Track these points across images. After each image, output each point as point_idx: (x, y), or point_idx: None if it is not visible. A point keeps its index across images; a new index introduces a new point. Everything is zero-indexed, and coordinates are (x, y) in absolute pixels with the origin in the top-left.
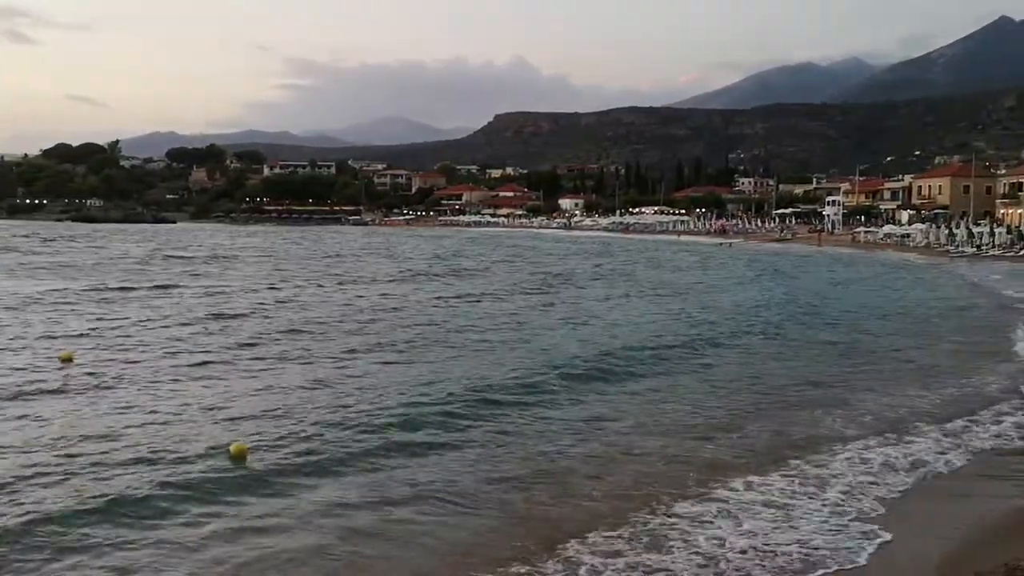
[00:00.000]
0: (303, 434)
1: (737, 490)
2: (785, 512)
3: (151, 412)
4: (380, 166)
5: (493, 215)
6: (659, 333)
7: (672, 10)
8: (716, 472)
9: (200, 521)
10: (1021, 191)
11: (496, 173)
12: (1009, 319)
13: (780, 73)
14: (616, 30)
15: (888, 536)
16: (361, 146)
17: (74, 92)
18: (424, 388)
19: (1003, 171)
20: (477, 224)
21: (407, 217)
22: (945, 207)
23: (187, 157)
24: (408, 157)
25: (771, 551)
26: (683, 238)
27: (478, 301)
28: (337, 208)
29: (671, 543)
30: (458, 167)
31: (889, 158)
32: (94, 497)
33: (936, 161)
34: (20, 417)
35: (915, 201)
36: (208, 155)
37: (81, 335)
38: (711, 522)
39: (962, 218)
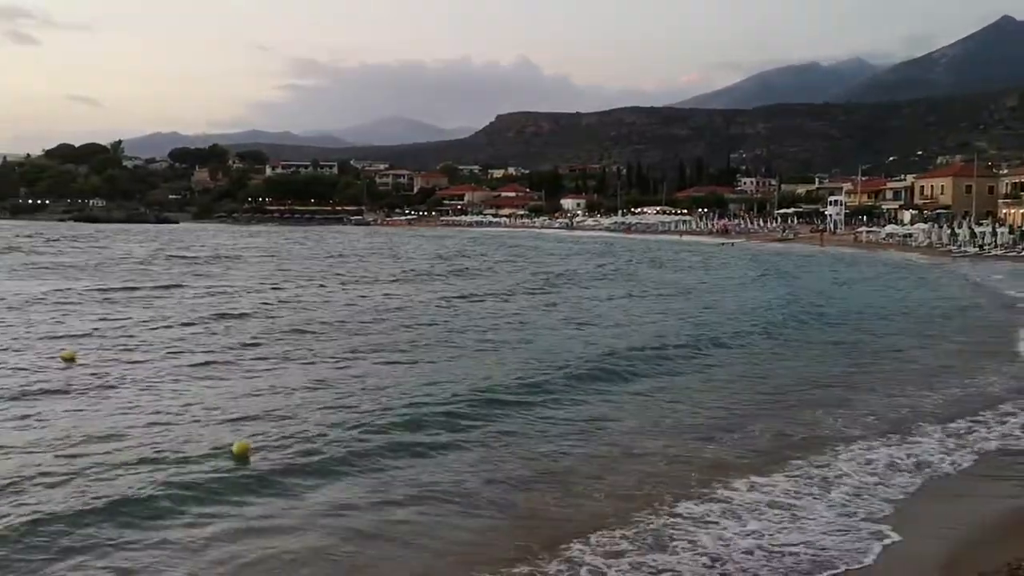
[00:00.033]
0: (306, 434)
1: (740, 490)
2: (791, 513)
3: (154, 412)
4: (382, 166)
5: (495, 215)
6: (661, 333)
7: (674, 10)
8: (718, 472)
9: (203, 521)
10: (1023, 191)
11: (498, 173)
12: (1012, 319)
13: (782, 73)
14: (618, 30)
15: (895, 537)
16: (363, 146)
17: (76, 92)
18: (427, 388)
19: (1005, 171)
20: (479, 224)
21: (409, 217)
22: (947, 207)
23: (189, 157)
24: (410, 157)
25: (778, 551)
26: (685, 238)
27: (481, 301)
28: (339, 208)
29: (675, 543)
30: (460, 167)
31: (891, 158)
32: (97, 497)
33: (938, 161)
34: (23, 417)
35: (917, 201)
36: (210, 155)
37: (84, 335)
38: (715, 522)
39: (964, 218)
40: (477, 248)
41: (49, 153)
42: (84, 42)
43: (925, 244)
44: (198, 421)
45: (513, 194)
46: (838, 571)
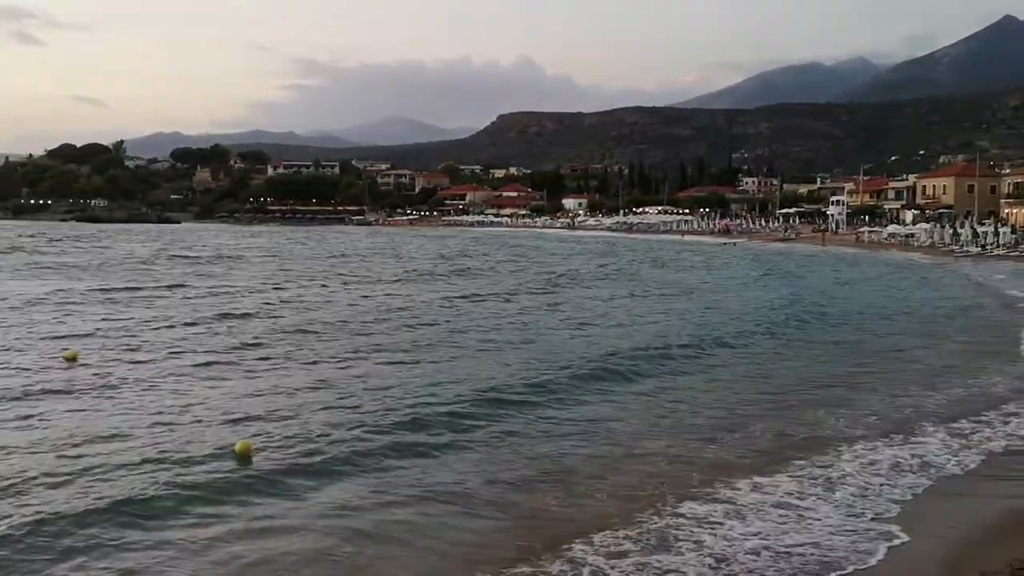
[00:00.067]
0: (308, 434)
1: (743, 491)
2: (796, 513)
3: (156, 412)
4: (384, 166)
5: (497, 215)
6: (664, 333)
7: (676, 10)
8: (721, 472)
9: (205, 522)
10: None
11: (500, 173)
12: (1014, 319)
13: (784, 73)
14: (620, 30)
15: (904, 538)
16: (365, 146)
17: (79, 93)
18: (429, 388)
19: (1007, 170)
20: (481, 224)
21: (411, 217)
22: (949, 207)
23: (191, 157)
24: (412, 157)
25: (785, 552)
26: (687, 238)
27: (483, 301)
28: (341, 208)
29: (680, 543)
30: (462, 167)
31: (893, 158)
32: (99, 498)
33: (940, 160)
34: (26, 417)
35: (919, 201)
36: (212, 155)
37: (86, 335)
38: (720, 523)
39: (966, 217)
40: (479, 248)
41: (51, 153)
42: (87, 42)
43: (927, 244)
44: (200, 421)
45: (515, 194)
46: (846, 572)
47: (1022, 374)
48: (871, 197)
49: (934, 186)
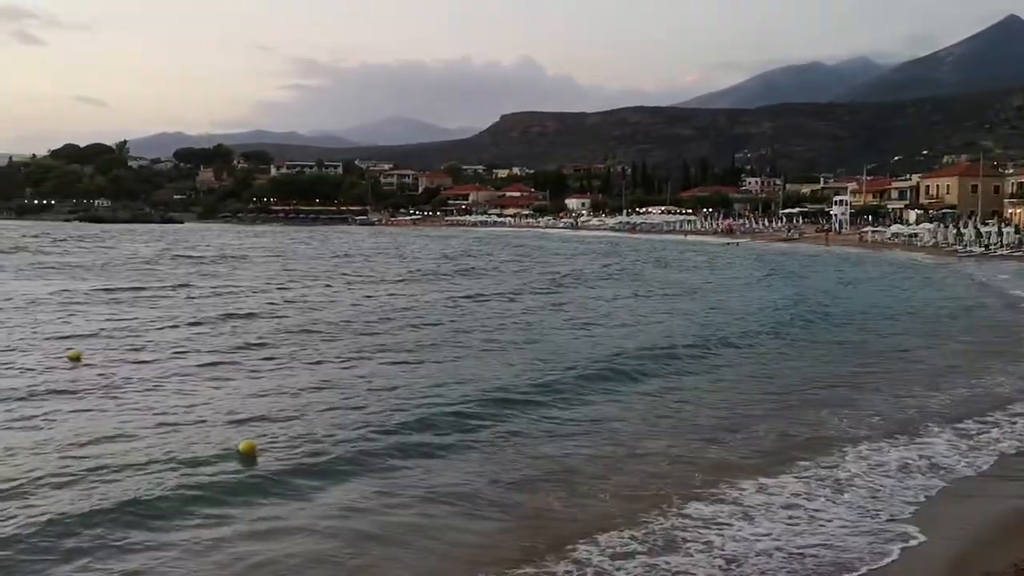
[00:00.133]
0: (312, 435)
1: (749, 491)
2: (807, 514)
3: (160, 412)
4: (387, 166)
5: (499, 215)
6: (668, 333)
7: (676, 10)
8: (726, 473)
9: (210, 523)
10: None
11: (502, 173)
12: (1018, 319)
13: (786, 73)
14: (620, 30)
15: (920, 538)
16: (368, 146)
17: (81, 93)
18: (433, 389)
19: (1011, 170)
20: (483, 224)
21: (414, 217)
22: (953, 206)
23: (194, 157)
24: (414, 157)
25: (798, 553)
26: (690, 238)
27: (487, 301)
28: (344, 208)
29: (688, 544)
30: (464, 167)
31: (896, 157)
32: (104, 498)
33: (944, 160)
34: (30, 417)
35: (923, 201)
36: (215, 155)
37: (90, 335)
38: (728, 523)
39: (970, 217)
40: (482, 248)
41: (54, 153)
42: (89, 42)
43: (930, 244)
44: (205, 421)
45: (518, 194)
46: (860, 573)
47: None
48: (874, 197)
49: (937, 186)
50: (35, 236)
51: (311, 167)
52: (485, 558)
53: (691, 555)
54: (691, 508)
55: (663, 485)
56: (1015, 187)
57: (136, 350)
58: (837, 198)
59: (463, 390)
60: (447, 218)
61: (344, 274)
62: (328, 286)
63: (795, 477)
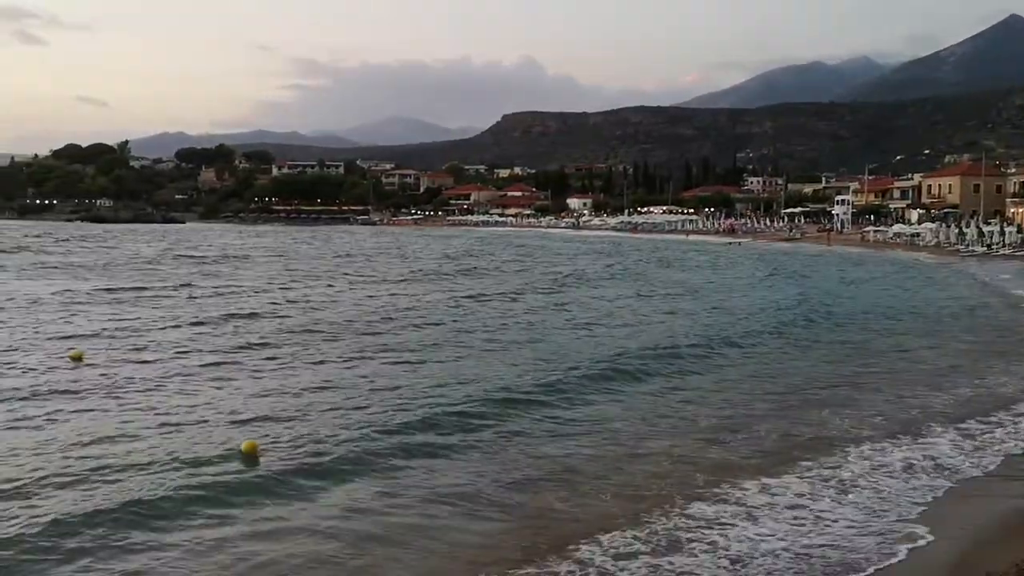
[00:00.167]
0: (315, 435)
1: (751, 492)
2: (811, 514)
3: (162, 412)
4: (388, 166)
5: (501, 215)
6: (670, 333)
7: (676, 10)
8: (729, 473)
9: (212, 523)
10: None
11: (504, 173)
12: (1020, 319)
13: (787, 72)
14: (621, 30)
15: (926, 539)
16: (369, 146)
17: (83, 93)
18: (435, 389)
19: (1013, 170)
20: (485, 224)
21: (415, 217)
22: (955, 206)
23: (196, 157)
24: (416, 157)
25: (805, 553)
26: (692, 237)
27: (489, 301)
28: (346, 208)
29: (692, 544)
30: (466, 167)
31: (898, 157)
32: (106, 499)
33: (946, 160)
34: (32, 418)
35: (925, 200)
36: (217, 155)
37: (92, 335)
38: (732, 524)
39: (972, 217)
40: (484, 248)
41: (56, 153)
42: (90, 42)
43: (932, 243)
44: (207, 422)
45: (519, 194)
46: (867, 573)
47: None
48: (876, 197)
49: (939, 185)
50: (37, 236)
51: (312, 167)
52: (487, 558)
53: (695, 555)
54: (694, 508)
55: (665, 485)
56: (1017, 187)
57: (138, 350)
58: (839, 198)
59: (465, 390)
60: (449, 218)
61: (346, 274)
62: (330, 286)
63: (798, 477)
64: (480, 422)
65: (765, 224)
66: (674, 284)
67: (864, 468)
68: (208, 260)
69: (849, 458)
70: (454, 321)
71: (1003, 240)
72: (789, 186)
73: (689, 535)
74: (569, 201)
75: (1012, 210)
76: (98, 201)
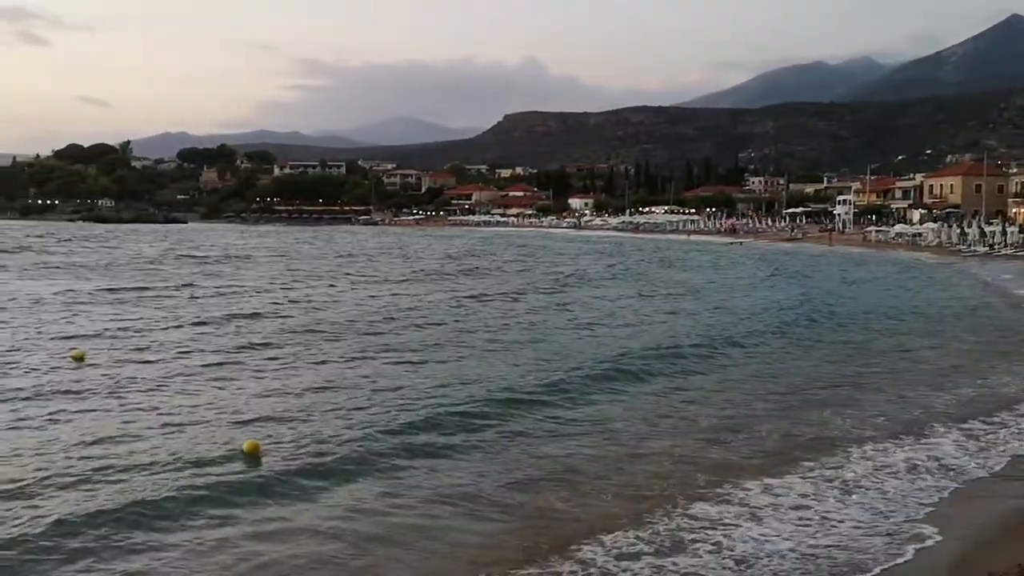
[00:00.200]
0: (317, 435)
1: (754, 492)
2: (816, 515)
3: (164, 413)
4: (390, 166)
5: (503, 215)
6: (673, 333)
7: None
8: (731, 473)
9: (214, 524)
10: None
11: (506, 173)
12: (1022, 319)
13: (789, 72)
14: (625, 29)
15: (934, 539)
16: (371, 146)
17: (85, 93)
18: (438, 389)
19: (1015, 170)
20: (487, 224)
21: (417, 217)
22: (957, 206)
23: (198, 157)
24: (418, 157)
25: (811, 554)
26: (693, 237)
27: (491, 301)
28: (347, 208)
29: (696, 545)
30: (468, 167)
31: (900, 157)
32: (108, 499)
33: (947, 160)
34: (34, 418)
35: (926, 200)
36: (219, 155)
37: (95, 335)
38: (736, 524)
39: (974, 217)
40: (486, 248)
41: (58, 154)
42: (92, 42)
43: (934, 244)
44: (209, 422)
45: (521, 194)
46: (874, 574)
47: None
48: (878, 197)
49: (941, 185)
50: (39, 236)
51: (314, 167)
52: (489, 558)
53: (700, 556)
54: (697, 508)
55: (667, 485)
56: (1019, 186)
57: (140, 350)
58: (840, 198)
59: (467, 390)
60: (450, 218)
61: (348, 274)
62: (332, 286)
63: (801, 478)
64: (482, 422)
65: (767, 224)
66: (676, 284)
67: (867, 468)
68: (210, 260)
69: (852, 458)
70: (456, 321)
71: (1005, 240)
72: (791, 186)
73: (692, 536)
74: (571, 201)
75: (1014, 210)
76: (100, 201)
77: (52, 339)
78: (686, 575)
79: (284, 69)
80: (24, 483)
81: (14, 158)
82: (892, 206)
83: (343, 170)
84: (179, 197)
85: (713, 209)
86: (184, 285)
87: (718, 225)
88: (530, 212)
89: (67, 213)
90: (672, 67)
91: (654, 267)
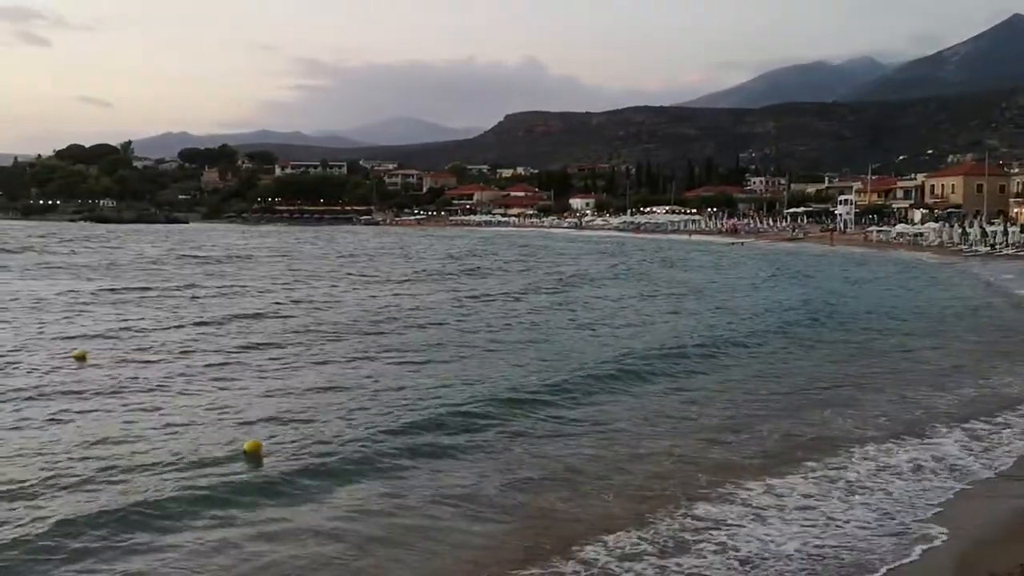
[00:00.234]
0: (319, 436)
1: (756, 492)
2: (821, 515)
3: (166, 413)
4: (391, 166)
5: (504, 215)
6: (675, 333)
7: (679, 9)
8: (733, 474)
9: (216, 524)
10: None
11: (507, 173)
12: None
13: (790, 72)
14: (626, 29)
15: (941, 539)
16: (372, 146)
17: (86, 93)
18: (440, 390)
19: (1016, 169)
20: (488, 224)
21: (418, 217)
22: (958, 206)
23: (199, 157)
24: (419, 157)
25: (817, 554)
26: (695, 237)
27: (493, 301)
28: (348, 208)
29: (700, 545)
30: (469, 167)
31: (901, 157)
32: (110, 500)
33: (949, 160)
34: (36, 418)
35: (928, 200)
36: (220, 155)
37: (96, 335)
38: (740, 525)
39: (975, 217)
40: (487, 248)
41: (60, 154)
42: (93, 43)
43: (936, 243)
44: (211, 422)
45: (522, 194)
46: (880, 574)
47: None
48: (879, 196)
49: (942, 185)
50: (41, 236)
51: (315, 167)
52: (492, 559)
53: (704, 556)
54: (700, 509)
55: (670, 485)
56: (1020, 186)
57: (142, 350)
58: (842, 197)
59: (469, 390)
60: (451, 218)
61: (350, 274)
62: (334, 286)
63: (804, 478)
64: (484, 422)
65: (768, 224)
66: (678, 284)
67: (871, 469)
68: (212, 260)
69: (854, 459)
70: (458, 321)
71: (1006, 240)
72: (792, 186)
73: (696, 536)
74: (572, 201)
75: (1015, 210)
76: (101, 201)
77: (54, 339)
78: (692, 575)
79: (285, 69)
80: (26, 483)
81: (15, 158)
82: (893, 206)
83: (344, 170)
84: (180, 197)
85: (714, 209)
86: (186, 285)
87: (719, 225)
88: (531, 212)
89: (69, 213)
90: (673, 67)
91: (656, 267)
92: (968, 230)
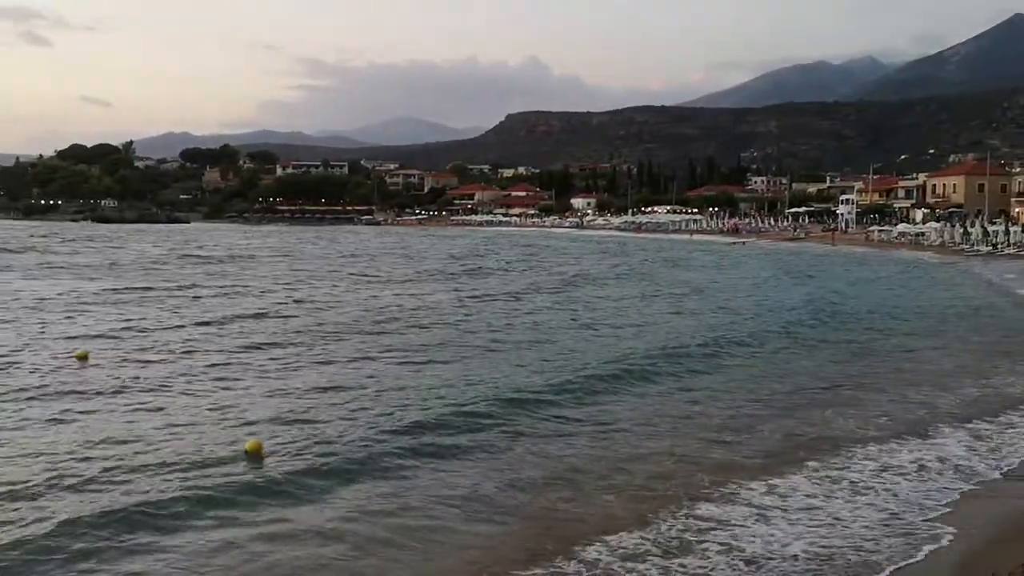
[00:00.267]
0: (320, 436)
1: (758, 492)
2: (826, 515)
3: (168, 414)
4: (392, 166)
5: (505, 215)
6: (676, 333)
7: (681, 9)
8: (735, 474)
9: (217, 525)
10: None
11: (508, 172)
12: None
13: (792, 72)
14: (628, 29)
15: (948, 539)
16: (373, 146)
17: (88, 94)
18: (441, 390)
19: (1018, 169)
20: (489, 224)
21: (420, 217)
22: (959, 206)
23: (200, 157)
24: (420, 157)
25: (824, 555)
26: (696, 237)
27: (495, 301)
28: (350, 208)
29: (704, 545)
30: (470, 167)
31: (903, 156)
32: (112, 500)
33: (950, 159)
34: (37, 419)
35: (929, 200)
36: (221, 155)
37: (98, 335)
38: (743, 525)
39: (977, 216)
40: (489, 248)
41: (61, 154)
42: (94, 43)
43: (937, 243)
44: (212, 422)
45: (523, 194)
46: (886, 574)
47: None
48: (881, 196)
49: (944, 185)
50: (43, 236)
51: (317, 167)
52: (494, 559)
53: (708, 557)
54: (703, 509)
55: (672, 485)
56: (1022, 186)
57: (144, 350)
58: (843, 197)
59: (471, 391)
60: (453, 218)
61: (351, 274)
62: (335, 286)
63: (806, 478)
64: (486, 422)
65: (769, 224)
66: (680, 284)
67: (874, 469)
68: (213, 260)
69: (857, 459)
70: (460, 321)
71: (1008, 239)
72: (793, 186)
73: (699, 536)
74: (573, 201)
75: (1017, 209)
76: (103, 201)
77: (56, 339)
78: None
79: (286, 69)
80: (29, 483)
81: (17, 158)
82: (895, 206)
83: (346, 170)
84: (182, 197)
85: (716, 209)
86: (188, 285)
87: (721, 225)
88: (533, 212)
89: (70, 213)
90: (674, 67)
91: (657, 267)
92: (970, 230)
